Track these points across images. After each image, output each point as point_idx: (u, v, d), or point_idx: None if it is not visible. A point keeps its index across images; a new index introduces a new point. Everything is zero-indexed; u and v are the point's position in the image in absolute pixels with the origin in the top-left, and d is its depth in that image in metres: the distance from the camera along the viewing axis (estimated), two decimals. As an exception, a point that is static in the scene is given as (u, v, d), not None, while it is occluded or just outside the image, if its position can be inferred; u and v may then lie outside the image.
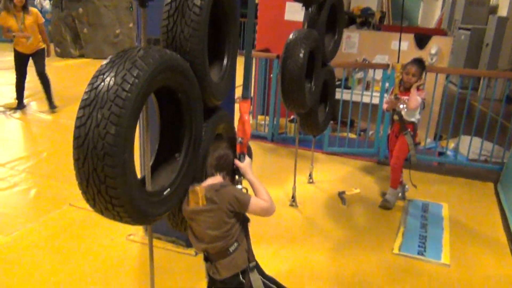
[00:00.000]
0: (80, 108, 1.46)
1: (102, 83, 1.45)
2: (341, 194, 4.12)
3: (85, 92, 1.47)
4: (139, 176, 1.78)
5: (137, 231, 3.32)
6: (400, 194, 4.08)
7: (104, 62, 1.53)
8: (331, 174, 4.68)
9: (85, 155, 1.43)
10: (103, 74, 1.48)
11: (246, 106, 2.00)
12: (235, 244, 1.90)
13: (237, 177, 1.97)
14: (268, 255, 3.14)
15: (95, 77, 1.49)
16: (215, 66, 2.30)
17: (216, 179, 1.93)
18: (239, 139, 1.97)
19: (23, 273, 2.82)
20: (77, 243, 3.19)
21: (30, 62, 6.31)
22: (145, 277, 2.86)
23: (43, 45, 6.37)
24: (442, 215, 3.90)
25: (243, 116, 1.98)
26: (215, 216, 1.84)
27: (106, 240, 3.23)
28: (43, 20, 6.53)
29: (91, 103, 1.44)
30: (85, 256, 3.02)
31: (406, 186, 4.12)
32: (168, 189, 1.84)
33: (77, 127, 1.45)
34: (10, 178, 4.21)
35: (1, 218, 3.49)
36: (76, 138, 1.45)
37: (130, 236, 3.26)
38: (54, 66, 6.50)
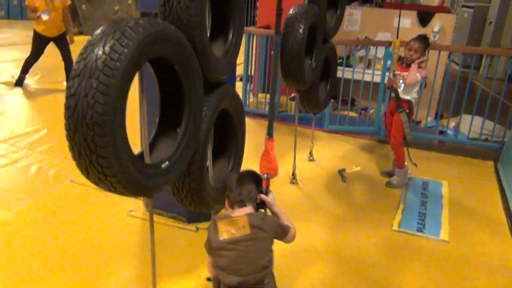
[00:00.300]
0: (70, 79, 1.46)
1: (92, 53, 1.44)
2: (341, 172, 4.12)
3: (76, 63, 1.47)
4: (139, 149, 1.77)
5: (138, 207, 3.34)
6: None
7: (95, 33, 1.51)
8: (331, 152, 4.68)
9: (76, 125, 1.44)
10: (93, 44, 1.47)
11: (271, 144, 2.19)
12: (270, 275, 1.88)
13: (262, 210, 1.99)
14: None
15: (85, 47, 1.48)
16: (219, 41, 2.28)
17: (248, 209, 1.90)
18: (265, 175, 2.12)
19: (25, 248, 2.84)
20: (78, 219, 3.20)
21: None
22: (147, 252, 2.89)
23: (64, 29, 6.27)
24: (442, 193, 3.92)
25: (269, 153, 2.13)
26: (262, 245, 1.82)
27: (107, 216, 3.25)
28: (69, 2, 6.40)
29: (81, 73, 1.43)
30: (87, 231, 3.05)
31: (410, 171, 4.10)
32: (167, 162, 1.84)
33: (67, 98, 1.45)
34: (11, 155, 4.22)
35: (2, 194, 3.51)
36: (66, 108, 1.45)
37: (131, 212, 3.27)
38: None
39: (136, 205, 3.35)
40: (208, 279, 2.57)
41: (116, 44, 1.46)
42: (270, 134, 2.20)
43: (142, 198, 3.33)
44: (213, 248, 1.82)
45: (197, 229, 3.09)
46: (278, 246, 2.88)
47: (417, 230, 3.27)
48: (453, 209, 3.63)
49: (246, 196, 1.90)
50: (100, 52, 1.44)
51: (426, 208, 3.62)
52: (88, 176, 1.56)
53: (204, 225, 3.12)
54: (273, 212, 1.98)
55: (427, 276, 2.77)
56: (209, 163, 2.30)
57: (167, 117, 1.99)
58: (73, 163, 1.56)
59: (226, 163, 2.54)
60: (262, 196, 1.96)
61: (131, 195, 1.71)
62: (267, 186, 2.03)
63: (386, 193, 3.87)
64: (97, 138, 1.44)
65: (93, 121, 1.42)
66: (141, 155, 1.84)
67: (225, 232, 1.79)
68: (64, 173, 3.84)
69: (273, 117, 2.29)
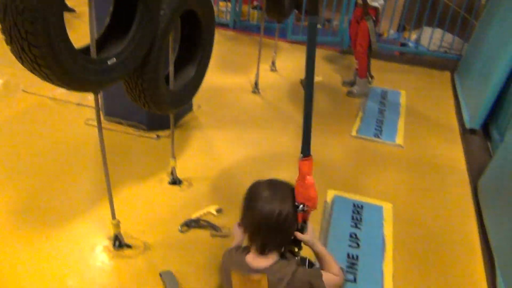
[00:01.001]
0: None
1: None
2: (303, 82, 4.12)
3: None
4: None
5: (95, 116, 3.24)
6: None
7: None
8: (293, 63, 4.64)
9: (5, 8, 1.33)
10: None
11: (308, 165, 1.53)
12: None
13: (296, 249, 1.57)
14: (232, 139, 3.18)
15: None
16: None
17: (272, 259, 1.47)
18: (301, 206, 1.50)
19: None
20: (33, 128, 3.09)
21: None
22: (107, 159, 2.87)
23: None
24: (400, 101, 4.02)
25: (305, 178, 1.51)
26: None
27: (63, 125, 3.15)
28: None
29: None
30: (43, 140, 2.95)
31: (370, 80, 4.14)
32: (114, 59, 1.75)
33: None
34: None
35: None
36: None
37: (89, 121, 3.19)
38: None
39: (93, 114, 3.25)
40: (170, 183, 2.60)
41: None
42: (305, 152, 1.53)
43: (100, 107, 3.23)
44: None
45: (158, 136, 3.07)
46: (240, 151, 2.90)
47: (374, 136, 3.38)
48: (409, 116, 3.75)
49: (270, 244, 1.45)
50: None
51: (383, 116, 3.72)
52: (23, 63, 1.48)
53: (165, 132, 3.09)
54: (315, 252, 1.57)
55: (386, 177, 2.91)
56: (170, 65, 2.21)
57: (120, 13, 1.86)
58: (25, 72, 1.46)
59: (190, 68, 2.45)
60: (298, 234, 1.51)
61: (70, 89, 1.63)
62: (304, 220, 1.53)
63: (346, 102, 3.93)
64: (27, 24, 1.34)
65: (23, 5, 1.31)
66: (86, 49, 1.73)
67: None
68: (15, 83, 3.64)
69: (310, 131, 1.53)
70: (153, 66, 1.99)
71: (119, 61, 1.75)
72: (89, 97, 3.43)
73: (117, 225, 2.07)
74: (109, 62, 1.71)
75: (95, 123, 3.16)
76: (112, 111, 3.18)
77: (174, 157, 2.58)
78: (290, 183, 1.55)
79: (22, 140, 2.93)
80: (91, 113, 3.26)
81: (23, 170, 2.63)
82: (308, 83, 1.51)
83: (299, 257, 1.55)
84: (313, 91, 1.49)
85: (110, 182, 2.05)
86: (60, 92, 3.46)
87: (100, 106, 3.19)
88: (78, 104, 3.38)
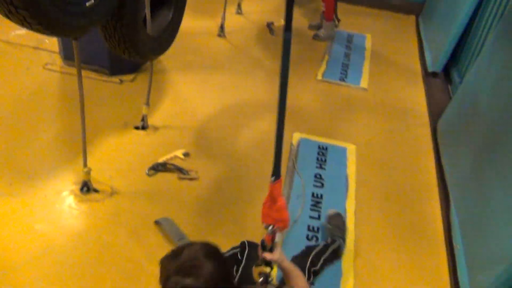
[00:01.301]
0: None
1: None
2: (269, 25, 4.05)
3: None
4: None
5: (54, 60, 3.11)
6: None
7: None
8: (260, 6, 4.52)
9: None
10: None
11: (278, 188, 1.43)
12: None
13: (268, 269, 1.49)
14: (198, 83, 3.14)
15: None
16: None
17: None
18: (270, 227, 1.42)
19: None
20: (-12, 74, 2.95)
21: None
22: (68, 105, 2.80)
23: None
24: (365, 45, 4.03)
25: (276, 200, 1.42)
26: None
27: (21, 70, 3.01)
28: None
29: None
30: (1, 88, 2.83)
31: (336, 22, 4.10)
32: (92, 1, 1.66)
33: None
34: None
35: None
36: None
37: (47, 65, 3.05)
38: None
39: (51, 58, 3.12)
40: (136, 128, 2.57)
41: None
42: (277, 174, 1.44)
43: (58, 50, 3.10)
44: None
45: (121, 81, 2.99)
46: (211, 97, 2.87)
47: (339, 79, 3.41)
48: (374, 60, 3.79)
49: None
50: None
51: (349, 60, 3.74)
52: None
53: (128, 77, 3.01)
54: (282, 268, 1.50)
55: (350, 120, 2.96)
56: (146, 8, 2.12)
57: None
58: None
59: (167, 11, 2.37)
60: (267, 255, 1.44)
61: (50, 33, 1.56)
62: (272, 240, 1.45)
63: (312, 46, 3.91)
64: None
65: None
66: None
67: None
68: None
69: (281, 152, 1.43)
70: (131, 8, 1.92)
71: (96, 3, 1.66)
72: (47, 40, 3.27)
73: (88, 173, 2.06)
74: (87, 4, 1.63)
75: (54, 68, 3.06)
76: (71, 54, 3.04)
77: (148, 104, 2.54)
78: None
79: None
80: (48, 57, 3.12)
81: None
82: (281, 105, 1.47)
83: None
84: (285, 111, 1.44)
85: (85, 129, 2.01)
86: (15, 35, 3.29)
87: (59, 49, 3.09)
88: (36, 48, 3.22)
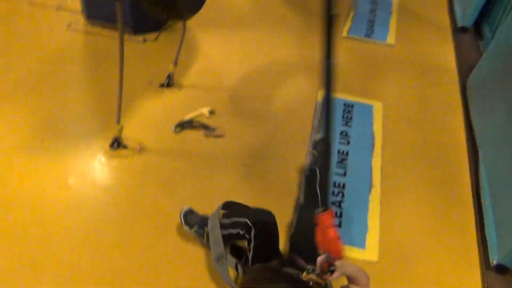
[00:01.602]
0: None
1: None
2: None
3: None
4: None
5: (77, 20, 3.10)
6: None
7: None
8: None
9: None
10: None
11: (327, 219, 1.40)
12: None
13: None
14: (221, 39, 3.10)
15: None
16: None
17: None
18: (324, 256, 1.33)
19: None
20: (11, 37, 2.95)
21: None
22: (94, 65, 2.81)
23: None
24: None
25: (327, 231, 1.39)
26: None
27: (45, 32, 3.02)
28: None
29: None
30: (25, 50, 2.82)
31: None
32: None
33: None
34: None
35: None
36: None
37: (71, 26, 3.05)
38: None
39: (74, 18, 3.11)
40: (162, 85, 2.58)
41: None
42: (325, 205, 1.42)
43: (80, 10, 3.09)
44: None
45: (145, 40, 2.97)
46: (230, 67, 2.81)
47: (365, 36, 3.32)
48: (401, 16, 3.66)
49: None
50: None
51: (375, 15, 3.62)
52: None
53: (151, 36, 3.00)
54: (347, 276, 1.35)
55: (377, 77, 2.91)
56: None
57: None
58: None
59: None
60: (328, 277, 1.31)
61: None
62: (330, 266, 1.31)
63: (337, 2, 3.79)
64: None
65: None
66: None
67: None
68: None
69: (329, 184, 1.42)
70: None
71: None
72: (68, 0, 3.26)
73: (120, 129, 2.10)
74: None
75: (78, 27, 3.06)
76: (94, 13, 3.04)
77: (176, 63, 2.54)
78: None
79: (2, 53, 2.82)
80: (72, 17, 3.12)
81: (12, 86, 2.57)
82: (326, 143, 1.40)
83: None
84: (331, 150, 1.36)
85: (122, 88, 2.04)
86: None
87: (81, 8, 3.07)
88: (58, 8, 3.21)
